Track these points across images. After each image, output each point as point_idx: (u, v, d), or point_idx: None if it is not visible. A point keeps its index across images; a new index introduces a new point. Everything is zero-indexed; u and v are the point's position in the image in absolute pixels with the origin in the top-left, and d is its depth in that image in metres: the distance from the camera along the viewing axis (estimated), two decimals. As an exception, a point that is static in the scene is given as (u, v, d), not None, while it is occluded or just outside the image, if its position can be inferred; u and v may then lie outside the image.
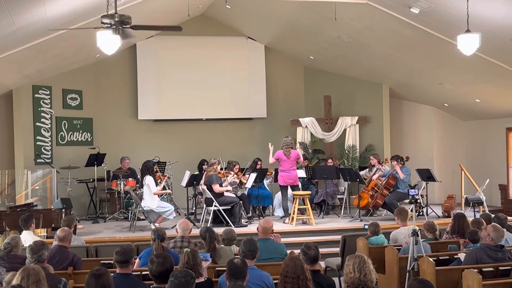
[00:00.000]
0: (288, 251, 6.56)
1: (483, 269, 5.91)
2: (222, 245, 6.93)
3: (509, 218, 10.61)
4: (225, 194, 11.44)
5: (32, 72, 12.46)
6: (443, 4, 8.92)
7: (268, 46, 15.63)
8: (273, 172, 12.99)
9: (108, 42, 7.75)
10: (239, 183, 12.39)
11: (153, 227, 10.19)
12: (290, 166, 11.61)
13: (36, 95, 13.24)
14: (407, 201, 11.51)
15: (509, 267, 6.09)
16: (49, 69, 12.86)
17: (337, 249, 8.96)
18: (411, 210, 8.16)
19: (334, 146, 14.92)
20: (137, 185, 12.40)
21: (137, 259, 6.59)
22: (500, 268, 6.05)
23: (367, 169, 13.03)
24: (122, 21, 7.26)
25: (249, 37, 15.50)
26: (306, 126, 14.79)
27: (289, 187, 11.67)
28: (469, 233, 6.99)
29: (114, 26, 7.31)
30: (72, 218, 8.51)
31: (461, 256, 6.55)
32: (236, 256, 5.23)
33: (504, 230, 6.52)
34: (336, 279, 7.14)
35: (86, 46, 12.05)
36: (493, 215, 8.01)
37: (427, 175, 12.16)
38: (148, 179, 11.00)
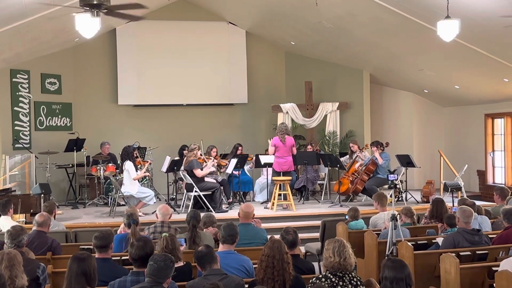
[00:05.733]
0: (269, 236, 6.59)
1: (461, 253, 5.98)
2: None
3: (488, 203, 10.81)
4: (206, 179, 11.44)
5: (10, 56, 12.27)
6: (423, -10, 8.95)
7: (249, 31, 15.56)
8: (254, 157, 12.99)
9: (87, 26, 7.67)
10: (217, 166, 12.39)
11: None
12: (286, 153, 11.65)
13: (14, 79, 13.07)
14: (386, 186, 11.59)
15: (486, 251, 6.18)
16: (27, 52, 12.68)
17: (317, 234, 9.02)
18: (391, 196, 8.24)
19: (314, 132, 14.95)
20: (117, 170, 12.33)
21: None
22: (477, 252, 6.13)
23: (347, 156, 13.10)
24: (100, 3, 7.16)
25: (230, 22, 15.41)
26: (287, 112, 14.78)
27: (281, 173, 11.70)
28: (446, 218, 7.07)
29: (93, 9, 7.22)
30: (53, 204, 8.45)
31: (439, 240, 6.63)
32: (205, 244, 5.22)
33: (472, 210, 6.58)
34: (315, 264, 7.18)
35: (65, 30, 11.89)
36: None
37: (406, 161, 12.25)
38: (128, 165, 10.94)
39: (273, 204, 11.27)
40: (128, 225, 6.69)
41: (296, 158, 12.53)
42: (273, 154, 11.82)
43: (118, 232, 7.14)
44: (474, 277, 5.69)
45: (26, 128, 13.35)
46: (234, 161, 11.95)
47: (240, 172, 12.40)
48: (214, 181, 11.63)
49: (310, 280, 4.54)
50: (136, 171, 11.11)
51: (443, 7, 8.08)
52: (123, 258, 6.03)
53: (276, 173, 11.77)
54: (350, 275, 4.47)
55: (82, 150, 13.22)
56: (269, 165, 12.01)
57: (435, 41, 9.52)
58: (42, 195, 10.01)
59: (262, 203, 12.30)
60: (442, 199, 8.14)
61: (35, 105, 13.63)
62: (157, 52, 15.05)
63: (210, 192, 11.30)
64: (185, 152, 12.94)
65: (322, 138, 14.78)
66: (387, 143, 12.56)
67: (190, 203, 11.30)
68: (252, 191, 13.22)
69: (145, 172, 11.77)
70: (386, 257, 6.41)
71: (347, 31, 12.33)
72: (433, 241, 6.84)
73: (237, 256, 5.39)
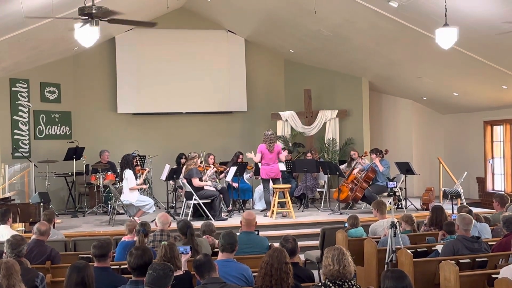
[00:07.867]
0: (269, 245, 6.58)
1: (460, 261, 5.97)
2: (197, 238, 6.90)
3: (487, 210, 10.81)
4: (205, 187, 11.42)
5: (9, 65, 12.28)
6: (421, -2, 8.98)
7: (248, 39, 15.59)
8: (253, 167, 12.99)
9: (86, 35, 7.67)
10: (215, 172, 12.40)
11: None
12: (273, 160, 11.63)
13: (13, 88, 13.07)
14: (386, 194, 11.59)
15: (486, 259, 6.17)
16: (27, 61, 12.69)
17: (316, 242, 9.00)
18: (390, 203, 8.23)
19: (314, 140, 14.95)
20: (117, 179, 12.32)
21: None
22: (477, 259, 6.12)
23: (345, 164, 13.11)
24: (98, 13, 7.18)
25: (229, 31, 15.44)
26: (286, 120, 14.80)
27: (270, 180, 11.69)
28: (446, 225, 7.07)
29: (91, 19, 7.23)
30: (52, 213, 8.42)
31: (439, 247, 6.62)
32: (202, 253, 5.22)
33: (471, 217, 6.58)
34: (315, 272, 7.17)
35: (64, 39, 11.90)
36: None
37: (406, 168, 12.23)
38: (128, 173, 10.92)
39: (272, 212, 11.26)
40: (137, 232, 6.65)
41: (296, 165, 12.55)
42: (259, 162, 11.79)
43: (123, 238, 7.12)
44: (473, 284, 5.67)
45: (26, 137, 13.35)
46: (233, 169, 11.93)
47: (238, 183, 12.39)
48: (214, 189, 11.61)
49: (310, 288, 4.53)
50: (136, 179, 11.09)
51: (441, 14, 8.11)
52: (122, 267, 6.01)
53: (265, 181, 11.76)
54: (350, 283, 4.45)
55: (81, 158, 13.22)
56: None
57: (434, 48, 9.53)
58: (41, 204, 9.98)
59: (261, 211, 12.28)
60: (441, 206, 8.13)
61: (35, 114, 13.64)
62: (156, 60, 15.07)
63: (209, 200, 11.28)
64: (182, 160, 12.94)
65: (322, 145, 14.77)
66: (386, 150, 12.57)
67: (190, 211, 11.29)
68: (251, 199, 13.20)
69: (143, 181, 11.75)
70: (385, 265, 6.40)
71: (345, 38, 12.37)
72: (433, 248, 6.83)
73: (237, 265, 5.37)
